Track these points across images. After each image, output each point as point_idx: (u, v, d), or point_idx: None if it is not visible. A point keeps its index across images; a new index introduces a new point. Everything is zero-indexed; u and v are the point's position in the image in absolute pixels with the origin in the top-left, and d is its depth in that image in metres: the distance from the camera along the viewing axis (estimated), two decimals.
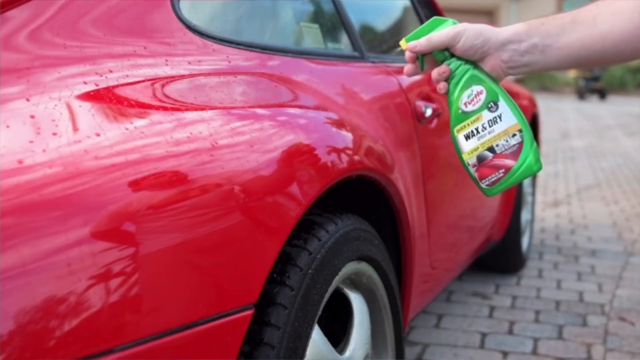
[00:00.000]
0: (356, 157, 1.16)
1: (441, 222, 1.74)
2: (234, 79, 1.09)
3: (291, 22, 1.50)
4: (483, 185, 1.04)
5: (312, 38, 1.49)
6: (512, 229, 2.63)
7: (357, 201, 1.33)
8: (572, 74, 16.55)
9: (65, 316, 0.65)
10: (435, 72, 1.03)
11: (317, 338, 1.03)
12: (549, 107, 11.73)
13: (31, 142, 0.72)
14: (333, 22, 1.58)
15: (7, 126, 0.74)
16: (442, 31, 1.01)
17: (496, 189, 1.05)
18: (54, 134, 0.75)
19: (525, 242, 2.88)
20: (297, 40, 1.47)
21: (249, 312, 0.87)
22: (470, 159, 1.03)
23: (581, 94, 14.99)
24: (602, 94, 14.82)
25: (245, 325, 0.87)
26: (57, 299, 0.65)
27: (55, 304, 0.65)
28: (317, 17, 1.57)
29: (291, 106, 1.14)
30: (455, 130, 1.03)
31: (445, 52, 1.01)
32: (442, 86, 1.04)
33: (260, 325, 0.92)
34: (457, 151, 1.04)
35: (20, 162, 0.69)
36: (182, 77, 0.99)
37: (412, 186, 1.47)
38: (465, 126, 1.03)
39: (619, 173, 5.47)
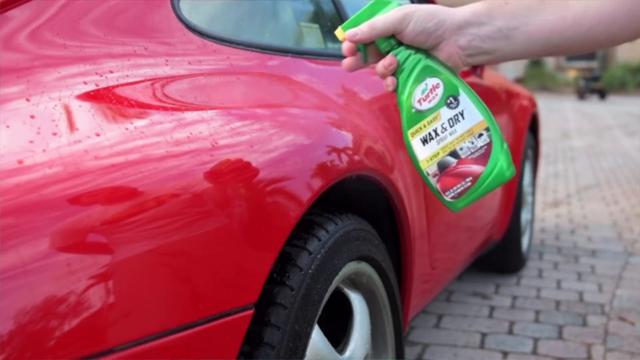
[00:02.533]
0: (356, 157, 1.16)
1: (441, 222, 1.74)
2: (234, 79, 1.09)
3: (291, 22, 1.50)
4: (447, 199, 0.87)
5: (312, 38, 1.49)
6: (512, 229, 2.63)
7: (357, 201, 1.33)
8: (572, 74, 16.56)
9: (65, 316, 0.65)
10: (380, 65, 0.87)
11: (317, 338, 1.03)
12: (549, 107, 11.73)
13: (31, 142, 0.72)
14: (333, 22, 1.58)
15: (7, 126, 0.74)
16: (387, 15, 0.84)
17: (463, 202, 0.87)
18: (54, 134, 0.75)
19: (525, 242, 2.88)
20: (297, 40, 1.47)
21: (249, 312, 0.87)
22: (429, 168, 0.86)
23: (581, 94, 15.00)
24: (602, 94, 14.83)
25: (245, 325, 0.87)
26: (57, 299, 0.65)
27: (55, 304, 0.65)
28: (317, 17, 1.58)
29: (291, 106, 1.14)
30: (408, 134, 0.87)
31: (391, 40, 0.85)
32: (389, 82, 0.87)
33: (260, 325, 0.92)
34: (413, 159, 0.87)
35: (20, 162, 0.69)
36: (182, 77, 0.99)
37: (412, 186, 1.47)
38: (420, 128, 0.86)
39: (619, 173, 5.47)
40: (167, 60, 1.01)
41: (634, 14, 0.82)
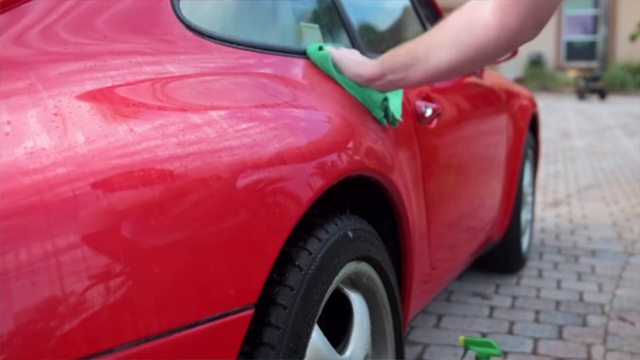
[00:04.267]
0: (356, 157, 1.16)
1: (441, 222, 1.74)
2: (234, 79, 1.09)
3: (291, 22, 1.50)
4: None
5: (312, 38, 1.49)
6: (512, 229, 2.63)
7: (357, 201, 1.33)
8: (572, 74, 16.55)
9: (65, 316, 0.65)
10: None
11: (317, 338, 1.03)
12: (549, 107, 11.73)
13: (31, 141, 0.72)
14: (333, 22, 1.58)
15: (9, 122, 0.74)
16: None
17: None
18: (55, 133, 0.75)
19: (525, 242, 2.88)
20: (297, 40, 1.47)
21: (249, 312, 0.87)
22: None
23: (581, 94, 14.98)
24: (602, 94, 14.82)
25: (245, 325, 0.87)
26: (57, 299, 0.65)
27: (55, 304, 0.65)
28: (317, 17, 1.57)
29: (291, 106, 1.14)
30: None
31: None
32: None
33: (260, 325, 0.92)
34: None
35: (20, 162, 0.69)
36: (181, 76, 0.99)
37: (412, 186, 1.47)
38: None
39: (619, 173, 5.47)
40: (166, 60, 1.00)
41: (472, 61, 1.21)
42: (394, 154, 1.37)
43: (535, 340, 2.11)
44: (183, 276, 0.78)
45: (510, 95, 2.64)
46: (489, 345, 1.52)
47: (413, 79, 1.25)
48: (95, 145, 0.76)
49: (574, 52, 19.64)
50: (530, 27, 1.13)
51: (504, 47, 1.16)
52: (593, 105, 13.46)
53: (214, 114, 0.93)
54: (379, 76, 1.27)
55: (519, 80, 16.23)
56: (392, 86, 1.29)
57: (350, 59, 1.30)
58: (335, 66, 1.29)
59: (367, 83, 1.29)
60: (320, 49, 1.29)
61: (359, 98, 1.30)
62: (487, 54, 1.18)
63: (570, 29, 19.61)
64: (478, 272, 2.77)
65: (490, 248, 2.54)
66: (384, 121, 1.34)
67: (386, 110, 1.33)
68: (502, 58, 2.37)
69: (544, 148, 6.32)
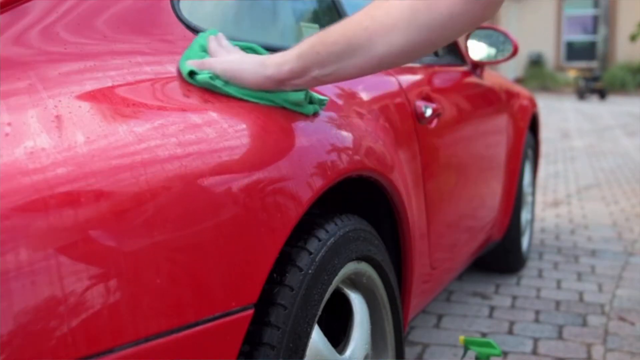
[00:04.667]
0: (356, 157, 1.16)
1: (441, 222, 1.74)
2: None
3: (291, 22, 1.50)
4: None
5: None
6: (512, 229, 2.63)
7: (357, 201, 1.33)
8: (572, 73, 16.55)
9: (65, 316, 0.65)
10: None
11: (317, 338, 1.03)
12: (549, 107, 11.73)
13: (31, 141, 0.72)
14: (333, 22, 1.58)
15: (9, 123, 0.74)
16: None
17: None
18: (54, 133, 0.75)
19: (525, 242, 2.88)
20: (296, 41, 1.47)
21: (249, 312, 0.87)
22: None
23: (581, 94, 14.98)
24: (602, 94, 14.82)
25: (245, 325, 0.87)
26: (57, 299, 0.65)
27: (55, 304, 0.65)
28: (317, 17, 1.58)
29: None
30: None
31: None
32: None
33: (260, 325, 0.92)
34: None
35: (20, 162, 0.69)
36: (181, 76, 0.99)
37: (412, 186, 1.47)
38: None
39: (619, 173, 5.47)
40: (166, 60, 1.00)
41: (430, 45, 0.98)
42: (394, 154, 1.37)
43: (535, 340, 2.11)
44: (183, 276, 0.78)
45: (510, 95, 2.64)
46: (489, 345, 1.52)
47: (349, 72, 1.00)
48: (95, 145, 0.76)
49: (574, 52, 19.64)
50: None
51: (470, 24, 0.95)
52: (593, 105, 13.46)
53: (214, 114, 0.93)
54: (298, 73, 0.99)
55: (519, 80, 16.23)
56: (316, 83, 1.02)
57: (243, 63, 1.01)
58: (228, 80, 0.99)
59: (279, 85, 1.00)
60: (192, 73, 0.98)
61: (270, 103, 1.02)
62: (448, 34, 0.96)
63: (570, 29, 19.62)
64: (478, 272, 2.77)
65: (490, 248, 2.54)
66: (315, 109, 1.09)
67: (311, 100, 1.08)
68: (503, 58, 2.38)
69: (544, 148, 6.32)
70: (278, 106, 1.02)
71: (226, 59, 1.02)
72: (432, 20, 0.93)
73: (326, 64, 0.98)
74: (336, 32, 0.98)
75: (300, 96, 1.03)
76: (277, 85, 1.00)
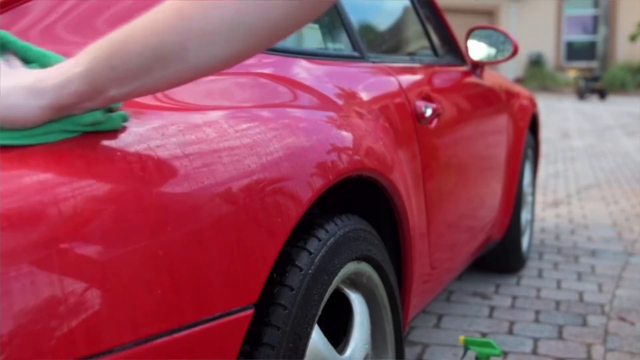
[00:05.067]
0: (356, 157, 1.16)
1: (441, 222, 1.74)
2: (233, 80, 1.09)
3: None
4: None
5: (312, 38, 1.49)
6: (512, 229, 2.63)
7: (357, 201, 1.33)
8: (572, 74, 16.55)
9: (65, 316, 0.65)
10: None
11: (317, 338, 1.03)
12: (549, 107, 11.73)
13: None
14: (333, 22, 1.58)
15: None
16: None
17: None
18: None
19: (525, 242, 2.88)
20: (296, 40, 1.47)
21: (249, 312, 0.87)
22: None
23: (581, 94, 14.99)
24: (602, 94, 14.82)
25: (245, 325, 0.87)
26: (57, 299, 0.65)
27: (55, 304, 0.65)
28: None
29: (291, 106, 1.14)
30: None
31: None
32: None
33: (260, 325, 0.92)
34: None
35: (21, 162, 0.69)
36: None
37: (412, 186, 1.47)
38: None
39: (619, 173, 5.47)
40: None
41: (258, 47, 0.79)
42: (394, 154, 1.37)
43: (535, 340, 2.11)
44: (183, 276, 0.77)
45: (510, 95, 2.64)
46: (489, 345, 1.52)
47: (159, 86, 0.79)
48: (97, 144, 0.76)
49: (574, 52, 19.64)
50: None
51: (305, 19, 0.78)
52: (593, 105, 13.46)
53: (213, 114, 0.93)
54: (89, 95, 0.74)
55: (519, 80, 16.23)
56: (117, 101, 0.78)
57: (8, 96, 0.73)
58: None
59: (65, 111, 0.75)
60: None
61: (62, 136, 0.75)
62: (280, 33, 0.78)
63: (570, 29, 19.62)
64: (478, 272, 2.77)
65: (490, 248, 2.54)
66: (123, 116, 0.81)
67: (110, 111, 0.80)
68: (503, 58, 2.37)
69: (544, 148, 6.32)
70: (75, 135, 0.76)
71: None
72: (264, 20, 0.74)
73: (126, 81, 0.75)
74: (137, 37, 0.74)
75: (96, 115, 0.77)
76: (61, 113, 0.75)
